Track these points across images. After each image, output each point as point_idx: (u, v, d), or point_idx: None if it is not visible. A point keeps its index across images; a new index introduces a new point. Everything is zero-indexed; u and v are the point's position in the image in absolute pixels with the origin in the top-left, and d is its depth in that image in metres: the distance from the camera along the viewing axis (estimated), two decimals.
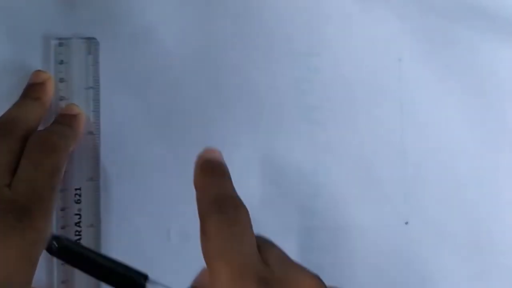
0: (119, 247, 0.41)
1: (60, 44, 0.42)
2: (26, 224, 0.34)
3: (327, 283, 0.42)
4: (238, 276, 0.29)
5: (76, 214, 0.41)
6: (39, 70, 0.41)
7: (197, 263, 0.35)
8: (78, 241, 0.41)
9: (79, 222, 0.41)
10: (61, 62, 0.42)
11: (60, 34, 0.42)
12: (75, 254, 0.36)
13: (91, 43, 0.42)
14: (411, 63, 0.43)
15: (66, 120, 0.41)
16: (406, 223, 0.43)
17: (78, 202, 0.41)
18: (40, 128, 0.39)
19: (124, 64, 0.43)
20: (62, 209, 0.41)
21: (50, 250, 0.36)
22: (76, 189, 0.41)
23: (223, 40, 0.43)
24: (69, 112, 0.41)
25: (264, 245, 0.31)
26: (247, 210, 0.32)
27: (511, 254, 0.43)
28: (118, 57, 0.43)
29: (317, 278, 0.31)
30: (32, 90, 0.40)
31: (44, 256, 0.39)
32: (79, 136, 0.41)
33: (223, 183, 0.33)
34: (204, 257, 0.31)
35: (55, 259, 0.40)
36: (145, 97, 0.43)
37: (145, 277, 0.34)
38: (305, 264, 0.42)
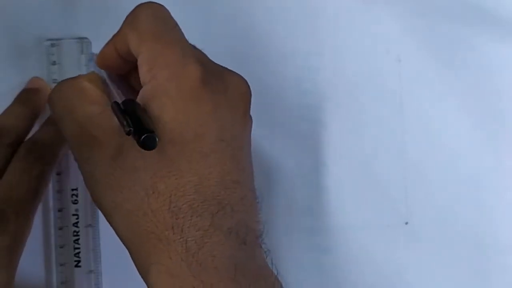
0: (118, 246, 0.41)
1: (52, 45, 0.41)
2: (1, 228, 0.34)
3: (326, 283, 0.43)
4: (180, 56, 0.31)
5: (74, 215, 0.41)
6: (36, 77, 0.41)
7: None
8: None
9: (76, 223, 0.41)
10: (54, 63, 0.41)
11: (58, 35, 0.42)
12: None
13: (83, 42, 0.41)
14: (411, 63, 0.43)
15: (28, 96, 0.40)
16: (406, 223, 0.43)
17: (75, 202, 0.41)
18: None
19: None
20: (60, 210, 0.41)
21: None
22: (72, 190, 0.41)
23: (223, 40, 0.43)
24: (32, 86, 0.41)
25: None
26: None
27: (510, 254, 0.43)
28: None
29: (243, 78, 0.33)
30: (26, 96, 0.40)
31: (43, 256, 0.39)
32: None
33: None
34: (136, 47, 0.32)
35: (54, 260, 0.40)
36: None
37: None
38: (305, 263, 0.42)
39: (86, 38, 0.42)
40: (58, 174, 0.41)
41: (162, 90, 0.31)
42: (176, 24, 0.33)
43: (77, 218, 0.41)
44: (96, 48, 0.40)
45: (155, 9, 0.33)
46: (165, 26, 0.32)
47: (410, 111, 0.43)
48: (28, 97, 0.40)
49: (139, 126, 0.29)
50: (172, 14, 0.42)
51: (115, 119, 0.30)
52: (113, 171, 0.30)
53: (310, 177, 0.43)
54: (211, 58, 0.41)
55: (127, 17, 0.33)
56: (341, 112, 0.43)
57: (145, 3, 0.33)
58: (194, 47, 0.33)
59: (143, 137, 0.28)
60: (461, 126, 0.43)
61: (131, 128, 0.29)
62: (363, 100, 0.43)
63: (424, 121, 0.43)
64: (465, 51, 0.43)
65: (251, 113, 0.43)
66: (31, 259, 0.39)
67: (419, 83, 0.43)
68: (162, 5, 0.33)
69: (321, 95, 0.43)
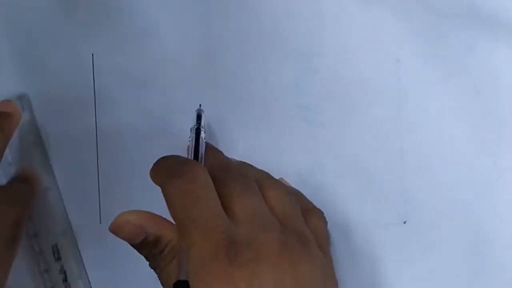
0: (119, 247, 0.41)
1: None
2: None
3: None
4: (204, 238, 0.29)
5: (61, 273, 0.41)
6: (7, 100, 0.40)
7: None
8: None
9: (65, 279, 0.41)
10: None
11: (59, 35, 0.42)
12: None
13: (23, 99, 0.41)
14: (410, 64, 0.43)
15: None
16: (405, 222, 0.43)
17: (58, 259, 0.41)
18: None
19: (124, 64, 0.43)
20: (46, 271, 0.41)
21: None
22: (52, 247, 0.41)
23: (223, 40, 0.43)
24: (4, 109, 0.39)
25: (231, 198, 0.32)
26: (204, 169, 0.32)
27: (509, 254, 0.43)
28: (117, 57, 0.43)
29: (282, 240, 0.30)
30: None
31: (29, 264, 0.39)
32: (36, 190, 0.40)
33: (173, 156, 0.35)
34: (176, 224, 0.31)
35: (39, 267, 0.40)
36: (145, 97, 0.43)
37: None
38: None
39: (25, 94, 0.41)
40: (35, 236, 0.41)
41: None
42: (208, 199, 0.32)
43: (64, 274, 0.41)
44: (103, 48, 0.41)
45: (190, 186, 0.32)
46: (196, 210, 0.31)
47: (408, 111, 0.43)
48: (1, 121, 0.39)
49: None
50: (172, 14, 0.42)
51: None
52: None
53: (309, 176, 0.43)
54: (211, 58, 0.41)
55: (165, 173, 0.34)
56: (340, 113, 0.43)
57: (185, 170, 0.33)
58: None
59: None
60: (460, 126, 0.43)
61: None
62: (362, 101, 0.43)
63: (423, 122, 0.43)
64: (464, 52, 0.43)
65: (251, 113, 0.43)
66: None
67: (418, 84, 0.43)
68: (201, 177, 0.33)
69: (320, 96, 0.43)
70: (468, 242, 0.43)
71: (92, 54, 0.43)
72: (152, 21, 0.43)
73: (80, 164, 0.42)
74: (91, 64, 0.43)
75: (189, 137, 0.39)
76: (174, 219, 0.32)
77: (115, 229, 0.33)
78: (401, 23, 0.43)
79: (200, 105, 0.41)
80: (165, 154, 0.42)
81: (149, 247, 0.33)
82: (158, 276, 0.33)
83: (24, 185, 0.39)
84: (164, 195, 0.33)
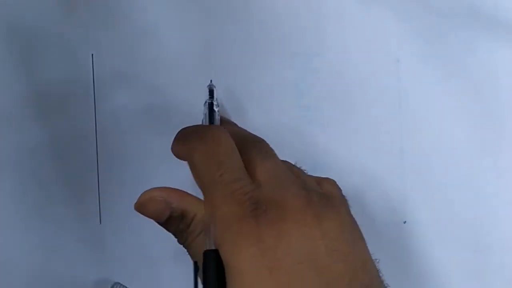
0: (120, 247, 0.41)
1: None
2: None
3: None
4: (230, 200, 0.29)
5: None
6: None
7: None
8: None
9: None
10: None
11: (59, 35, 0.42)
12: None
13: None
14: (410, 64, 0.43)
15: None
16: (404, 222, 0.43)
17: None
18: None
19: (124, 64, 0.43)
20: None
21: None
22: None
23: (223, 40, 0.43)
24: None
25: (252, 161, 0.32)
26: (227, 133, 0.32)
27: (508, 253, 0.43)
28: (118, 57, 0.43)
29: (305, 196, 0.30)
30: None
31: None
32: None
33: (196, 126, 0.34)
34: (202, 189, 0.31)
35: None
36: (145, 97, 0.43)
37: None
38: None
39: None
40: None
41: (232, 262, 0.28)
42: (233, 161, 0.32)
43: None
44: (103, 48, 0.40)
45: (214, 149, 0.32)
46: (219, 174, 0.31)
47: (408, 111, 0.43)
48: None
49: None
50: (173, 14, 0.42)
51: None
52: None
53: None
54: (211, 58, 0.41)
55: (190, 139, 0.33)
56: (340, 112, 0.43)
57: (210, 135, 0.32)
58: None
59: None
60: (460, 126, 0.43)
61: None
62: (362, 101, 0.43)
63: (423, 121, 0.43)
64: (464, 52, 0.43)
65: (250, 113, 0.43)
66: None
67: (418, 84, 0.43)
68: (225, 140, 0.32)
69: (320, 96, 0.43)
70: (468, 242, 0.43)
71: (92, 54, 0.43)
72: (152, 21, 0.43)
73: (80, 163, 0.42)
74: (91, 64, 0.43)
75: (203, 113, 0.38)
76: (200, 185, 0.32)
77: (140, 207, 0.33)
78: (401, 23, 0.43)
79: (211, 80, 0.40)
80: (165, 154, 0.42)
81: (175, 222, 0.33)
82: (187, 251, 0.33)
83: None
84: (190, 162, 0.32)
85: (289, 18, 0.43)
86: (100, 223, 0.42)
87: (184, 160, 0.33)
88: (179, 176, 0.42)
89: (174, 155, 0.34)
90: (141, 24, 0.43)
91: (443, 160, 0.43)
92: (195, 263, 0.30)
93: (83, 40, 0.43)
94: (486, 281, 0.43)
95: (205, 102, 0.38)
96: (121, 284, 0.40)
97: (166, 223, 0.33)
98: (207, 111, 0.37)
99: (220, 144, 0.32)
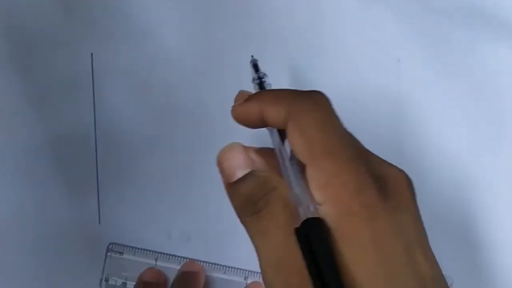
0: None
1: None
2: None
3: None
4: (351, 169, 0.27)
5: None
6: (191, 260, 0.41)
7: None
8: None
9: None
10: None
11: (59, 35, 0.42)
12: None
13: None
14: (410, 64, 0.43)
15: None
16: None
17: None
18: None
19: (124, 64, 0.43)
20: None
21: None
22: None
23: (223, 40, 0.43)
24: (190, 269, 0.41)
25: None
26: (324, 95, 0.29)
27: (508, 253, 0.43)
28: (118, 57, 0.43)
29: (403, 172, 0.29)
30: (184, 279, 0.40)
31: None
32: None
33: None
34: (305, 156, 0.28)
35: None
36: (144, 97, 0.43)
37: None
38: None
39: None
40: None
41: (352, 231, 0.26)
42: (344, 130, 0.29)
43: None
44: (103, 48, 0.40)
45: (326, 113, 0.29)
46: (337, 138, 0.28)
47: (408, 111, 0.43)
48: (187, 280, 0.40)
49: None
50: (172, 14, 0.42)
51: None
52: None
53: None
54: (211, 58, 0.41)
55: (289, 99, 0.29)
56: (339, 112, 0.43)
57: (315, 97, 0.29)
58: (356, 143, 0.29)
59: None
60: (460, 126, 0.43)
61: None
62: (362, 100, 0.43)
63: (423, 121, 0.43)
64: (464, 52, 0.43)
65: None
66: None
67: (418, 84, 0.43)
68: (331, 106, 0.29)
69: None
70: (468, 242, 0.43)
71: (92, 54, 0.43)
72: (152, 21, 0.43)
73: (80, 164, 0.42)
74: (91, 64, 0.43)
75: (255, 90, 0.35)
76: (309, 152, 0.28)
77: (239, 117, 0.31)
78: (401, 23, 0.43)
79: (252, 56, 0.36)
80: (165, 155, 0.42)
81: (253, 184, 0.29)
82: (247, 227, 0.29)
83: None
84: (291, 127, 0.28)
85: (289, 18, 0.43)
86: (100, 223, 0.42)
87: (263, 126, 0.30)
88: (179, 176, 0.42)
89: (248, 120, 0.31)
90: (141, 24, 0.43)
91: (443, 160, 0.43)
92: (298, 230, 0.26)
93: (83, 40, 0.43)
94: (486, 281, 0.43)
95: (253, 78, 0.35)
96: (117, 244, 0.40)
97: (243, 180, 0.29)
98: (257, 87, 0.34)
99: (328, 106, 0.29)
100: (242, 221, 0.29)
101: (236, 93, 0.43)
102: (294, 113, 0.28)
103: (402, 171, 0.29)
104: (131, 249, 0.41)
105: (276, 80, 0.43)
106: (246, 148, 0.30)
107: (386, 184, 0.27)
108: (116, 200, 0.42)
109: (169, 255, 0.40)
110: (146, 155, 0.42)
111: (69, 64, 0.43)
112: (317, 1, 0.43)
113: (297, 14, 0.43)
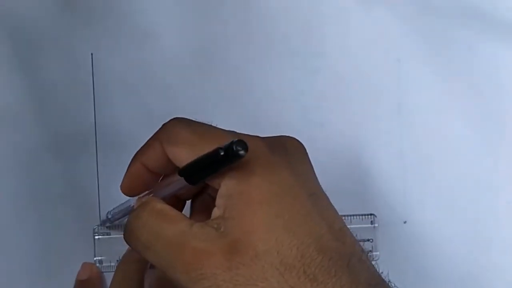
0: (118, 248, 0.41)
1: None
2: None
3: None
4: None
5: None
6: (87, 263, 0.42)
7: None
8: None
9: None
10: None
11: (59, 35, 0.42)
12: None
13: None
14: (410, 64, 0.43)
15: None
16: (405, 222, 0.43)
17: None
18: None
19: (124, 64, 0.43)
20: None
21: None
22: None
23: (223, 40, 0.43)
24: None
25: None
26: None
27: (509, 254, 0.43)
28: (117, 56, 0.43)
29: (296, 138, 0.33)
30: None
31: None
32: None
33: None
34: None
35: None
36: (145, 97, 0.43)
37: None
38: None
39: None
40: None
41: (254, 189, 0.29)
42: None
43: None
44: (103, 48, 0.40)
45: (186, 121, 0.33)
46: (200, 136, 0.31)
47: (408, 111, 0.43)
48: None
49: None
50: (172, 14, 0.42)
51: (210, 229, 0.28)
52: (235, 275, 0.27)
53: None
54: (211, 58, 0.41)
55: (158, 133, 0.33)
56: (339, 113, 0.43)
57: (174, 118, 0.33)
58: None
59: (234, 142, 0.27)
60: (459, 126, 0.43)
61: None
62: (362, 101, 0.43)
63: (423, 121, 0.43)
64: (464, 52, 0.43)
65: (250, 113, 0.43)
66: None
67: (418, 84, 0.43)
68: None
69: (320, 96, 0.43)
70: (468, 242, 0.43)
71: (92, 54, 0.43)
72: (152, 22, 0.43)
73: (80, 163, 0.42)
74: (91, 64, 0.43)
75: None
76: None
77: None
78: (401, 23, 0.43)
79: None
80: None
81: None
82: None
83: None
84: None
85: (289, 18, 0.43)
86: (100, 224, 0.42)
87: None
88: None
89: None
90: (141, 24, 0.43)
91: (443, 160, 0.43)
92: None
93: (83, 40, 0.43)
94: (486, 281, 0.43)
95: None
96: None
97: None
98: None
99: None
100: None
101: (236, 93, 0.43)
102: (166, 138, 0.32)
103: (294, 138, 0.33)
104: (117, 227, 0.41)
105: (276, 80, 0.43)
106: None
107: (284, 145, 0.31)
108: (116, 200, 0.42)
109: None
110: None
111: (69, 64, 0.43)
112: (317, 1, 0.43)
113: (298, 14, 0.43)
